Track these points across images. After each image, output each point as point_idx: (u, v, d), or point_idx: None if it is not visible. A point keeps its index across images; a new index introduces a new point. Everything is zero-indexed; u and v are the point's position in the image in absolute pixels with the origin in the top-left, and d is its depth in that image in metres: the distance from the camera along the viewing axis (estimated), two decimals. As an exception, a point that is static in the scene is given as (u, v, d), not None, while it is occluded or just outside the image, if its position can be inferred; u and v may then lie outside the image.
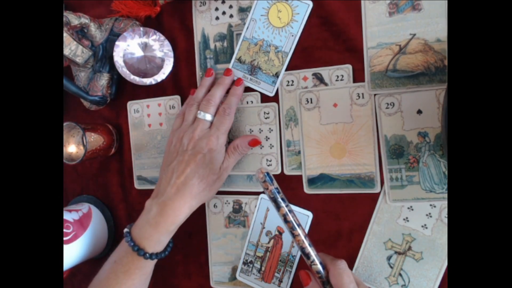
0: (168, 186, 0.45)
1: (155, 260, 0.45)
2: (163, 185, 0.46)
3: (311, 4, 0.47)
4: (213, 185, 0.47)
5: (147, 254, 0.43)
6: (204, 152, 0.45)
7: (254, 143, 0.49)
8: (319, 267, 0.39)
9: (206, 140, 0.45)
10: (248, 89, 0.51)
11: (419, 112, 0.44)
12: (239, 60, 0.50)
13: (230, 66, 0.51)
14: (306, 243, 0.39)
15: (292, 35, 0.48)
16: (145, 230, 0.44)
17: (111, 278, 0.44)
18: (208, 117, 0.47)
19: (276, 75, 0.49)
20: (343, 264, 0.39)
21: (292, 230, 0.39)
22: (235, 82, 0.50)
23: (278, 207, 0.38)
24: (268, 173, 0.37)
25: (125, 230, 0.46)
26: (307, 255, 0.39)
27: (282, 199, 0.38)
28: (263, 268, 0.51)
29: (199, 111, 0.48)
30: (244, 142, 0.48)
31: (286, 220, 0.38)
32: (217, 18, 0.52)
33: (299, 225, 0.39)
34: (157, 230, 0.44)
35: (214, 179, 0.46)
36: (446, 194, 0.43)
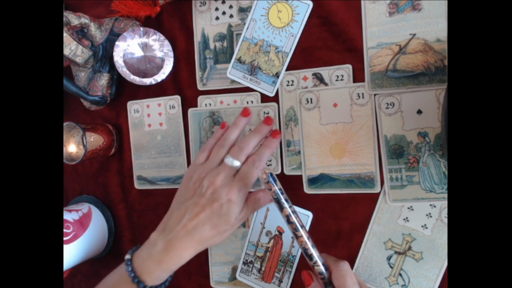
0: (178, 225, 0.43)
1: None
2: (172, 221, 0.44)
3: (311, 4, 0.47)
4: (223, 234, 0.45)
5: (147, 287, 0.42)
6: (223, 201, 0.43)
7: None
8: (322, 268, 0.39)
9: (228, 189, 0.43)
10: (248, 89, 0.51)
11: (419, 112, 0.44)
12: (239, 60, 0.50)
13: (230, 66, 0.51)
14: (309, 244, 0.39)
15: (292, 35, 0.48)
16: (148, 265, 0.42)
17: None
18: (236, 164, 0.45)
19: (276, 75, 0.49)
20: (346, 265, 0.38)
21: (295, 231, 0.38)
22: (272, 134, 0.48)
23: (281, 208, 0.38)
24: (271, 174, 0.37)
25: (127, 257, 0.44)
26: (310, 256, 0.39)
27: (286, 200, 0.38)
28: (263, 268, 0.51)
29: (227, 156, 0.45)
30: (268, 197, 0.47)
31: (289, 221, 0.38)
32: (217, 18, 0.52)
33: (302, 226, 0.39)
34: (159, 267, 0.42)
35: (226, 229, 0.44)
36: (446, 194, 0.43)
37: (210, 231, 0.43)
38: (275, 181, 0.37)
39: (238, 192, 0.44)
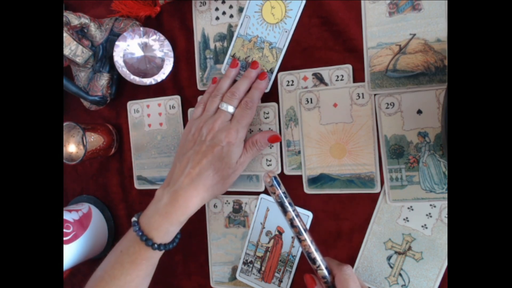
0: (181, 175, 0.44)
1: (162, 251, 0.44)
2: (176, 173, 0.45)
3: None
4: (227, 179, 0.46)
5: (155, 245, 0.42)
6: (223, 144, 0.44)
7: (274, 139, 0.48)
8: (325, 272, 0.39)
9: (226, 133, 0.45)
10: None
11: (419, 112, 0.44)
12: (233, 56, 0.50)
13: (224, 62, 0.51)
14: (313, 248, 0.38)
15: (286, 31, 0.48)
16: (155, 220, 0.43)
17: (116, 268, 0.43)
18: (231, 109, 0.47)
19: (271, 71, 0.49)
20: (349, 269, 0.38)
21: (298, 235, 0.38)
22: (259, 76, 0.49)
23: (285, 211, 0.38)
24: (275, 177, 0.37)
25: (133, 219, 0.44)
26: (313, 260, 0.39)
27: (290, 203, 0.38)
28: (263, 268, 0.51)
29: (221, 103, 0.47)
30: (264, 138, 0.48)
31: (293, 225, 0.38)
32: (217, 18, 0.52)
33: (306, 230, 0.38)
34: (166, 220, 0.42)
35: (229, 173, 0.46)
36: (446, 194, 0.43)
37: (213, 176, 0.44)
38: (279, 185, 0.37)
39: (236, 134, 0.45)
